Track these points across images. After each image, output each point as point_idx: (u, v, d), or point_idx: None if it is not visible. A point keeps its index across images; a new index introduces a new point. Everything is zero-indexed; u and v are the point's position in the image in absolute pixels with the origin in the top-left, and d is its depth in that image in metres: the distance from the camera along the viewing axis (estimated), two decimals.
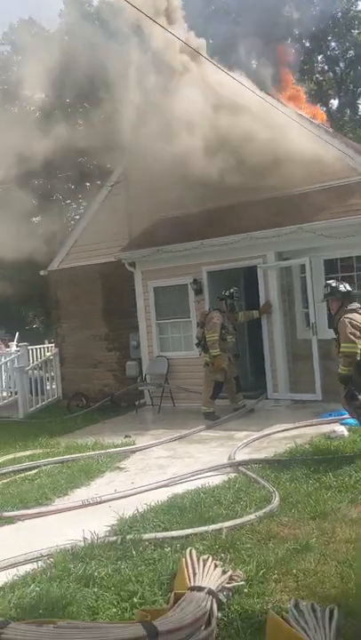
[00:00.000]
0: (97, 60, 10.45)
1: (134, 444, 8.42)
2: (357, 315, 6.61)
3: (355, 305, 6.76)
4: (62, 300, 14.18)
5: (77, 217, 18.35)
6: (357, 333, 6.45)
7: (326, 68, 29.65)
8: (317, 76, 29.05)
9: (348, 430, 7.56)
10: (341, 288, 6.83)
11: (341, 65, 29.32)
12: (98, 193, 13.95)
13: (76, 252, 13.84)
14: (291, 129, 9.75)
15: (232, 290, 10.30)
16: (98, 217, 13.53)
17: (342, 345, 6.48)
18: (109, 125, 10.61)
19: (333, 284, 6.93)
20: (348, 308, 6.69)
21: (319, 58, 29.40)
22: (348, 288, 6.89)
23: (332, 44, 29.14)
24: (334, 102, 29.32)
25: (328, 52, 29.28)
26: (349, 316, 6.56)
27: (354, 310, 6.66)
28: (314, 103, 16.31)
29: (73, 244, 14.03)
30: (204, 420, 9.57)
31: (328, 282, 7.16)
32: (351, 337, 6.41)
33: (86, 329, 13.52)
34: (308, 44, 28.66)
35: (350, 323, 6.49)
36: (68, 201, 22.34)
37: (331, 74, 29.47)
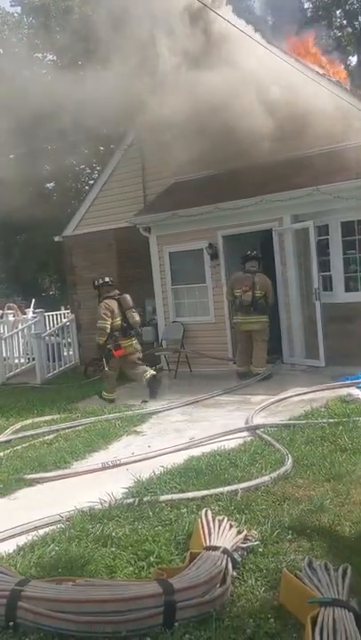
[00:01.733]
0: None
1: (151, 408, 8.50)
2: None
3: None
4: (77, 266, 14.18)
5: (92, 182, 18.21)
6: None
7: (345, 22, 28.63)
8: (336, 31, 28.08)
9: None
10: None
11: None
12: (112, 157, 13.80)
13: (91, 218, 13.78)
14: (309, 88, 9.48)
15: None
16: (112, 181, 13.43)
17: None
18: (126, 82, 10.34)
19: None
20: None
21: (338, 12, 28.38)
22: None
23: None
24: (353, 59, 28.38)
25: (347, 7, 28.23)
26: None
27: None
28: (333, 60, 15.75)
29: (87, 209, 13.97)
30: (223, 384, 9.59)
31: None
32: None
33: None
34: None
35: None
36: (82, 166, 22.12)
37: (350, 29, 28.47)
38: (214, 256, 11.25)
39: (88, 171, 22.60)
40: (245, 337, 10.14)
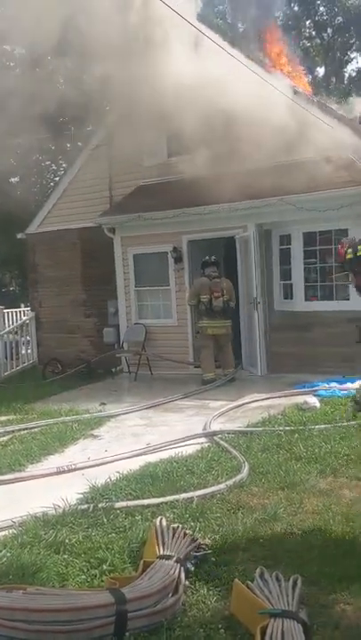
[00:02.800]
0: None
1: (109, 411, 8.46)
2: None
3: None
4: (40, 264, 14.02)
5: (57, 179, 18.00)
6: None
7: (314, 33, 29.15)
8: (305, 41, 28.55)
9: (320, 402, 7.70)
10: None
11: (329, 31, 28.85)
12: (78, 155, 13.68)
13: (55, 216, 13.63)
14: (275, 98, 9.58)
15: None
16: (78, 180, 13.30)
17: None
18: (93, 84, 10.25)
19: None
20: None
21: (307, 23, 28.87)
22: None
23: (321, 8, 28.61)
24: (320, 70, 28.93)
25: (316, 18, 28.75)
26: None
27: None
28: (300, 70, 16.00)
29: (52, 207, 13.81)
30: (184, 388, 9.64)
31: None
32: None
33: (64, 294, 13.44)
34: (296, 8, 28.11)
35: None
36: (48, 162, 21.84)
37: (318, 40, 29.01)
38: (178, 260, 11.29)
39: (54, 167, 22.33)
40: (212, 341, 10.21)
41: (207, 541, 3.93)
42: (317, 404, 7.56)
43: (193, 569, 3.63)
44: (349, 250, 3.93)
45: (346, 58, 29.34)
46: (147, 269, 11.79)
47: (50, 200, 14.01)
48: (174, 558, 3.54)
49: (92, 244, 12.65)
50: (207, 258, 10.38)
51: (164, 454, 6.05)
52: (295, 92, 10.46)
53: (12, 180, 21.81)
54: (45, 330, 13.88)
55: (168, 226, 11.06)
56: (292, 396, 8.49)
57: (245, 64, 8.29)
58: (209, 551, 3.82)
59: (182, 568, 3.50)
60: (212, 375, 10.09)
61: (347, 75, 29.57)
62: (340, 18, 28.06)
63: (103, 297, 12.67)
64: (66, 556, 3.89)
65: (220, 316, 10.07)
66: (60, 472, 5.73)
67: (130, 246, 11.85)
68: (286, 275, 10.48)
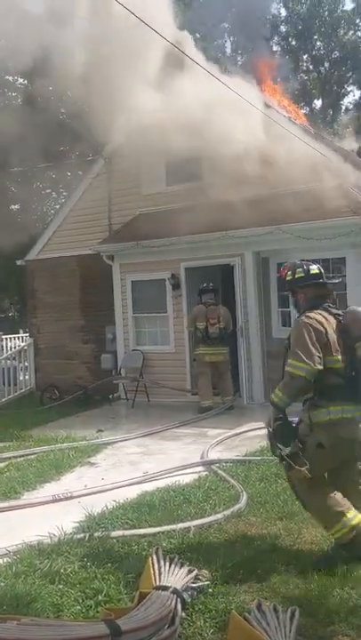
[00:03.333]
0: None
1: (107, 438, 8.41)
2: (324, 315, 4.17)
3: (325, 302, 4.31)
4: (39, 291, 14.08)
5: (57, 206, 18.19)
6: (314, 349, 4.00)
7: (311, 67, 29.80)
8: (302, 75, 29.17)
9: None
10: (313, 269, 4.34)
11: (326, 65, 29.50)
12: (79, 183, 13.86)
13: (55, 243, 13.74)
14: (273, 129, 9.75)
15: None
16: (78, 209, 13.45)
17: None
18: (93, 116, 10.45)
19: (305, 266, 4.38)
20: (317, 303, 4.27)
21: (304, 57, 29.52)
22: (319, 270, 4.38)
23: (318, 43, 29.30)
24: (318, 102, 29.50)
25: (313, 52, 29.42)
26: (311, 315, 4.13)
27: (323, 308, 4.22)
28: (297, 103, 16.35)
29: (52, 234, 13.93)
30: (181, 416, 9.63)
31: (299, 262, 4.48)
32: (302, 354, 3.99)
33: (62, 320, 13.46)
34: (293, 43, 28.76)
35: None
36: (49, 190, 22.11)
37: (315, 74, 29.63)
38: (176, 286, 11.34)
39: (54, 195, 22.58)
40: (211, 368, 10.21)
41: (204, 572, 3.88)
42: None
43: (190, 600, 3.58)
44: (289, 272, 4.38)
45: (343, 91, 29.94)
46: (145, 296, 11.84)
47: (50, 227, 14.14)
48: (171, 589, 3.50)
49: (91, 271, 12.73)
50: (204, 285, 10.45)
51: (162, 483, 6.01)
52: (293, 123, 10.66)
53: (13, 207, 22.05)
54: (43, 356, 13.87)
55: (166, 253, 11.15)
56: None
57: (247, 99, 8.43)
58: (206, 582, 3.77)
59: (179, 599, 3.46)
60: (209, 403, 10.06)
61: (343, 107, 30.16)
62: (336, 52, 28.72)
63: (101, 323, 12.69)
64: (61, 586, 3.84)
65: (216, 343, 10.09)
66: (56, 500, 5.69)
67: (128, 273, 11.92)
68: (284, 302, 10.52)
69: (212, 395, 10.19)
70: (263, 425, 8.30)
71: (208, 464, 6.64)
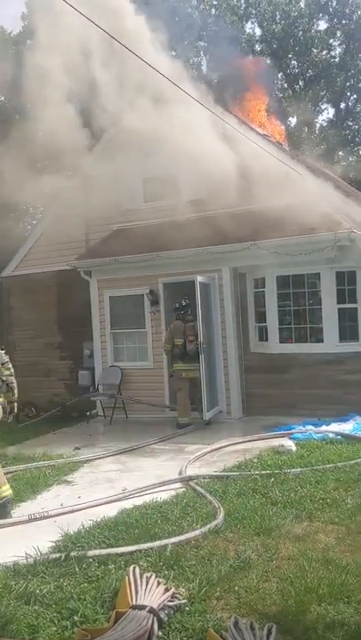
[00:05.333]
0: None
1: (84, 456, 8.34)
2: None
3: None
4: (15, 307, 13.98)
5: (35, 222, 18.13)
6: None
7: (286, 85, 30.30)
8: (277, 92, 29.61)
9: (296, 445, 7.70)
10: None
11: (301, 83, 30.02)
12: (56, 199, 13.83)
13: (32, 259, 13.69)
14: (251, 149, 9.90)
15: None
16: (55, 224, 13.42)
17: None
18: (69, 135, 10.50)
19: None
20: None
21: (279, 75, 30.01)
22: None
23: (293, 62, 29.82)
24: (292, 120, 29.94)
25: (288, 71, 29.93)
26: None
27: None
28: (274, 120, 16.59)
29: (28, 250, 13.87)
30: (159, 432, 9.58)
31: None
32: None
33: (39, 337, 13.37)
34: (268, 61, 29.20)
35: None
36: (25, 206, 22.01)
37: (290, 92, 30.12)
38: (155, 302, 11.35)
39: (31, 210, 22.50)
40: (188, 384, 10.21)
41: (181, 590, 3.86)
42: (293, 448, 7.56)
43: (166, 619, 3.56)
44: None
45: (317, 109, 30.45)
46: (123, 312, 11.83)
47: (27, 243, 14.08)
48: (147, 608, 3.48)
49: (68, 287, 12.69)
50: (177, 304, 10.45)
51: (139, 500, 5.97)
52: (275, 145, 10.82)
53: None
54: (19, 373, 13.66)
55: (144, 269, 11.18)
56: (268, 439, 8.49)
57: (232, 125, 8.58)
58: (183, 600, 3.75)
59: (155, 618, 3.44)
60: (187, 420, 10.05)
61: (318, 125, 30.65)
62: (310, 71, 29.26)
63: (79, 339, 12.63)
64: (37, 607, 3.79)
65: (194, 360, 10.10)
66: (31, 520, 5.60)
67: (106, 289, 11.91)
68: (261, 317, 10.61)
69: (190, 411, 10.18)
70: (241, 440, 8.39)
71: (186, 480, 6.61)
